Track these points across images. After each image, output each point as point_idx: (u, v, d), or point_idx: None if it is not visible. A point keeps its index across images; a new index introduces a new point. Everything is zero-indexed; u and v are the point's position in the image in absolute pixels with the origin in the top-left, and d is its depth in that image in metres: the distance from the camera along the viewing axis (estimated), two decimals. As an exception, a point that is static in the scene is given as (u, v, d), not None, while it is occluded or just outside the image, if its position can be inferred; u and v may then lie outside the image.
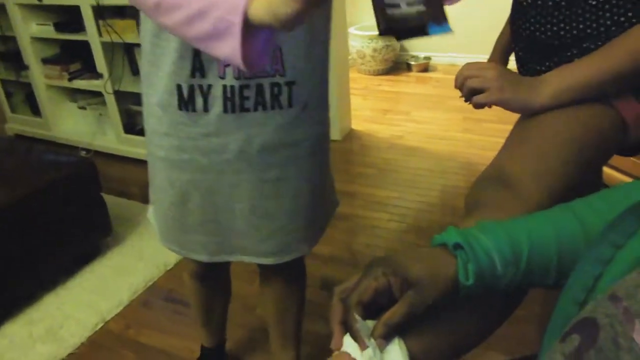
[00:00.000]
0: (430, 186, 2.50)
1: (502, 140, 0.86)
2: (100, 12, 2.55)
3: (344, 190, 2.42)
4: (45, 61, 3.02)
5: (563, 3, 0.83)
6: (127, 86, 2.74)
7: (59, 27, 2.85)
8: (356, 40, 3.97)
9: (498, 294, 0.61)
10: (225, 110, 0.91)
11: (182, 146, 0.96)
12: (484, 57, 1.18)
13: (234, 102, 0.90)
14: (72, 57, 3.00)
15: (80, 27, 2.72)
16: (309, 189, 1.05)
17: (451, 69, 4.02)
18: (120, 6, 2.55)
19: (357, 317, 0.55)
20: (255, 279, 1.39)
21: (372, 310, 0.56)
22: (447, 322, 0.61)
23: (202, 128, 0.93)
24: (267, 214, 1.03)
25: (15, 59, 3.10)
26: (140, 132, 2.73)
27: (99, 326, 1.77)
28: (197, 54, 0.87)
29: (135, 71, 2.85)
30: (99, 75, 2.81)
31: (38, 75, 3.05)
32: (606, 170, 1.76)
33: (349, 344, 0.57)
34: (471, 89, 0.86)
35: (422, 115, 3.34)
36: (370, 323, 0.56)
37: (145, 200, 1.99)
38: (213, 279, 1.34)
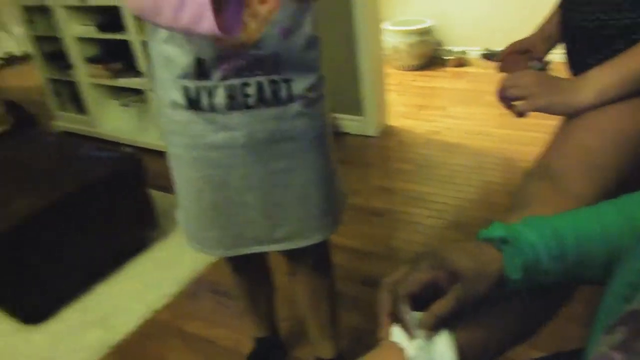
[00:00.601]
0: (468, 182, 2.48)
1: (539, 135, 0.84)
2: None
3: (382, 186, 2.41)
4: (89, 60, 3.12)
5: None
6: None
7: (101, 28, 2.94)
8: (390, 35, 3.95)
9: (545, 291, 0.61)
10: (230, 108, 0.98)
11: (192, 144, 1.03)
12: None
13: (237, 100, 0.98)
14: (114, 56, 3.08)
15: (121, 27, 2.80)
16: (317, 179, 1.10)
17: (486, 63, 3.95)
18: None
19: (406, 307, 0.56)
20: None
21: (418, 303, 0.57)
22: (494, 318, 0.60)
23: (210, 125, 1.00)
24: (278, 203, 1.08)
25: (61, 59, 3.20)
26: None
27: (147, 316, 1.84)
28: (201, 60, 0.94)
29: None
30: (139, 74, 2.89)
31: (83, 74, 3.16)
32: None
33: (397, 334, 0.57)
34: (512, 99, 0.85)
35: (458, 110, 3.30)
36: (418, 315, 0.56)
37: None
38: (252, 271, 1.39)
